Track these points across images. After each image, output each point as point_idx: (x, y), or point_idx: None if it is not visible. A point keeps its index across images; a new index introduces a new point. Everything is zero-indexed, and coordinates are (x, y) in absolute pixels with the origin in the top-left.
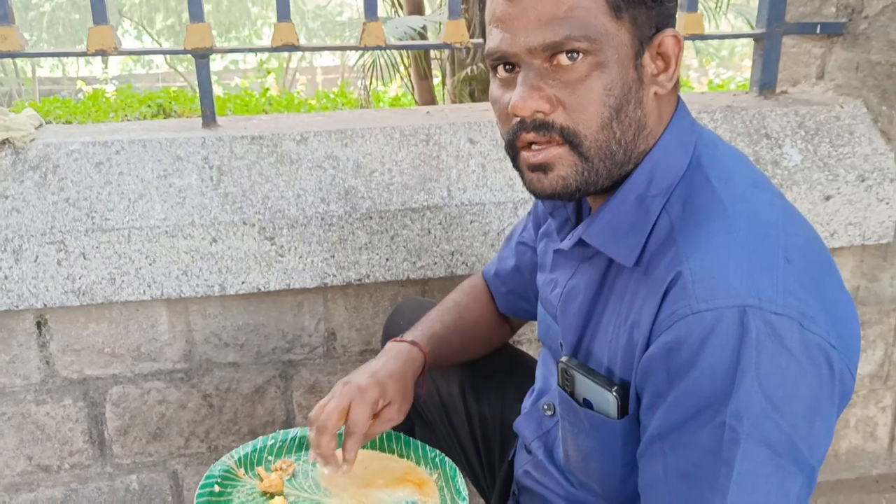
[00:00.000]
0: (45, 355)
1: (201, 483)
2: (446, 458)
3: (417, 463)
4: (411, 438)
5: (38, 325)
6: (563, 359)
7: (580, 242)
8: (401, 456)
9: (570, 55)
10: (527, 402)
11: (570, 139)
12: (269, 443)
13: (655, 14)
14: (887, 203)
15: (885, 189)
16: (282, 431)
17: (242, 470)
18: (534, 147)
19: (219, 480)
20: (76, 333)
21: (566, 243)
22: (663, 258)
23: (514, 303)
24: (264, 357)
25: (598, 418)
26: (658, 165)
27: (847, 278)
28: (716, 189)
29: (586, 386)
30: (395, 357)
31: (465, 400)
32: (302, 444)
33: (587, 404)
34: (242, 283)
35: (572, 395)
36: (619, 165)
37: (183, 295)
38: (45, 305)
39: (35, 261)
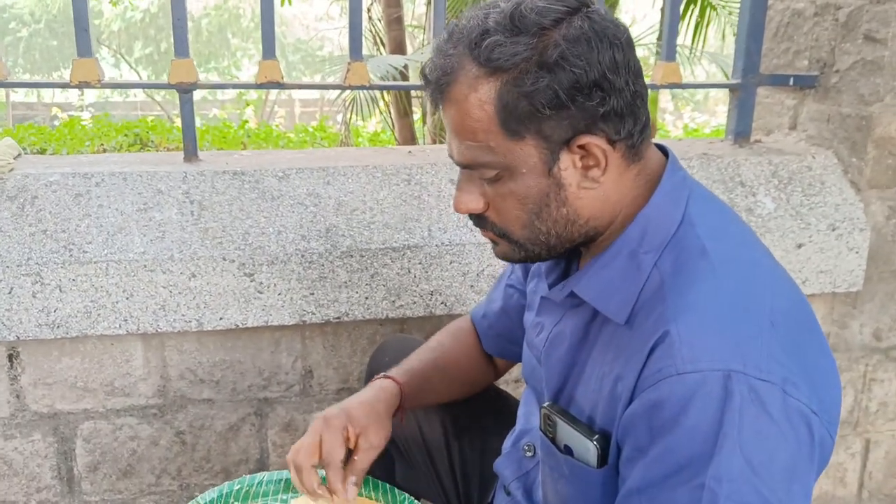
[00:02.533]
0: (15, 389)
1: None
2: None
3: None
4: (394, 487)
5: (10, 357)
6: (546, 404)
7: (571, 294)
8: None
9: (482, 172)
10: (507, 443)
11: (501, 234)
12: (236, 488)
13: (569, 121)
14: (857, 252)
15: (855, 238)
16: (248, 476)
17: None
18: None
19: None
20: (49, 367)
21: (556, 293)
22: (651, 315)
23: (501, 345)
24: (240, 394)
25: (578, 466)
26: (651, 222)
27: None
28: (706, 248)
29: (568, 433)
30: (367, 389)
31: (446, 439)
32: (269, 489)
33: (568, 451)
34: (220, 319)
35: (553, 440)
36: (563, 244)
37: (159, 330)
38: (17, 338)
39: (9, 292)
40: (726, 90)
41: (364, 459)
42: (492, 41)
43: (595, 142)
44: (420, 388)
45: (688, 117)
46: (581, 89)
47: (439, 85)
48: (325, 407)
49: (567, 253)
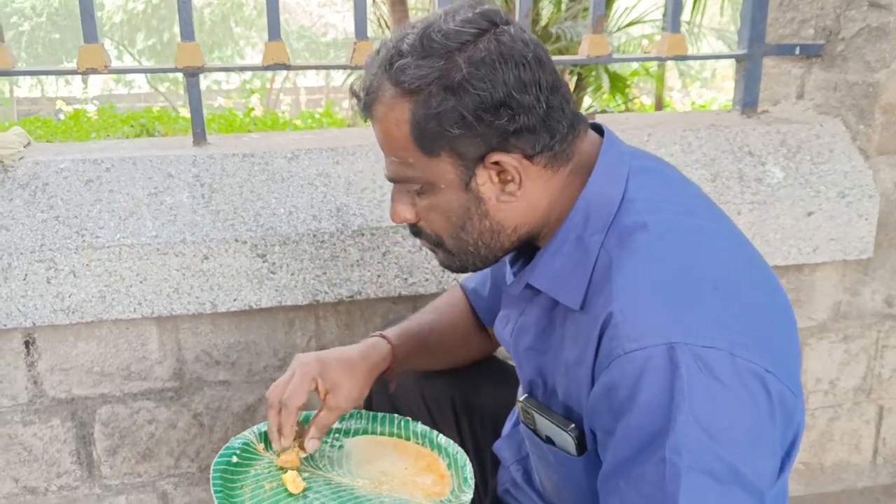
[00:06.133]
0: (33, 375)
1: (220, 452)
2: (458, 448)
3: (439, 453)
4: (433, 430)
5: (27, 344)
6: (522, 398)
7: (528, 285)
8: (421, 445)
9: (408, 186)
10: (507, 425)
11: (436, 243)
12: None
13: (480, 139)
14: (867, 219)
15: (865, 205)
16: (304, 413)
17: (262, 445)
18: None
19: (237, 452)
20: (65, 352)
21: (514, 287)
22: (600, 297)
23: (495, 315)
24: (255, 375)
25: (561, 454)
26: (591, 204)
27: (829, 293)
28: (645, 222)
29: (546, 425)
30: (357, 346)
31: (455, 414)
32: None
33: (550, 441)
34: (234, 300)
35: (536, 432)
36: (494, 253)
37: (174, 313)
38: (33, 324)
39: (24, 279)
40: (732, 64)
41: (326, 417)
42: (402, 63)
43: (506, 159)
44: (415, 351)
45: (695, 94)
46: (487, 109)
47: (365, 103)
48: None
49: (500, 259)
